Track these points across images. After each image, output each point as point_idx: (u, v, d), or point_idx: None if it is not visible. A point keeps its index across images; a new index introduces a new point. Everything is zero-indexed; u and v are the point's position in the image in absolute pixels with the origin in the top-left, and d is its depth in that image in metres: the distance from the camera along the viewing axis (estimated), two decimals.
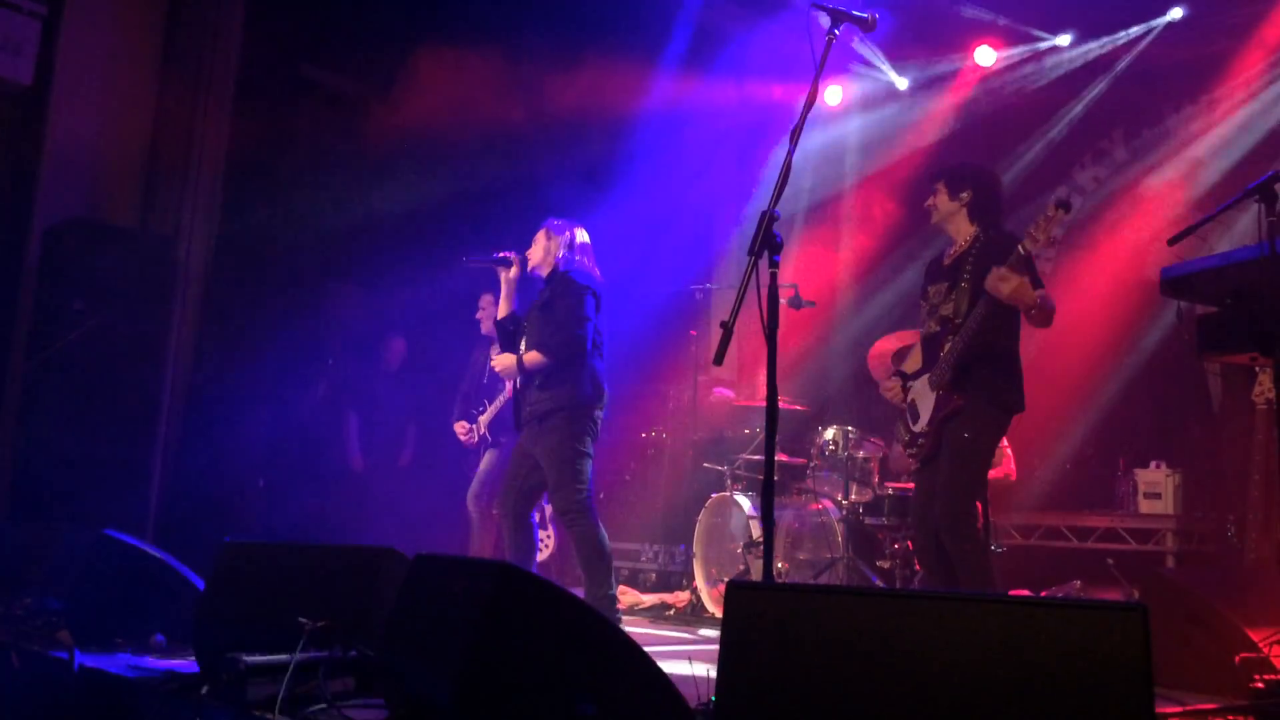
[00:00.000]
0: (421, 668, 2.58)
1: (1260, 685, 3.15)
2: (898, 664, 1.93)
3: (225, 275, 6.39)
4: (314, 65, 7.32)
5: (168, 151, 6.35)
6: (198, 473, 6.02)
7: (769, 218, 3.02)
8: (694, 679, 2.96)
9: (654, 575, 7.50)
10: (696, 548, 6.49)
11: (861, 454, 6.23)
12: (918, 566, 5.78)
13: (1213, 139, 7.05)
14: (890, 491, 6.09)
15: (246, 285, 6.46)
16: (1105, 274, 7.28)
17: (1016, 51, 7.81)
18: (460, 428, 6.42)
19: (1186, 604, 3.75)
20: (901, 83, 8.42)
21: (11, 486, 5.55)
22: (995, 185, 4.31)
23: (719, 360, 3.00)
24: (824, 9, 3.26)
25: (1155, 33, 7.30)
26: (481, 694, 2.33)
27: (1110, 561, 6.12)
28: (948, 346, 4.06)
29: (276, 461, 6.52)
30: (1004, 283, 3.80)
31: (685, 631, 5.91)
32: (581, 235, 4.95)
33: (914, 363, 4.35)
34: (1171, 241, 3.67)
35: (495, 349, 6.33)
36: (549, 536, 6.91)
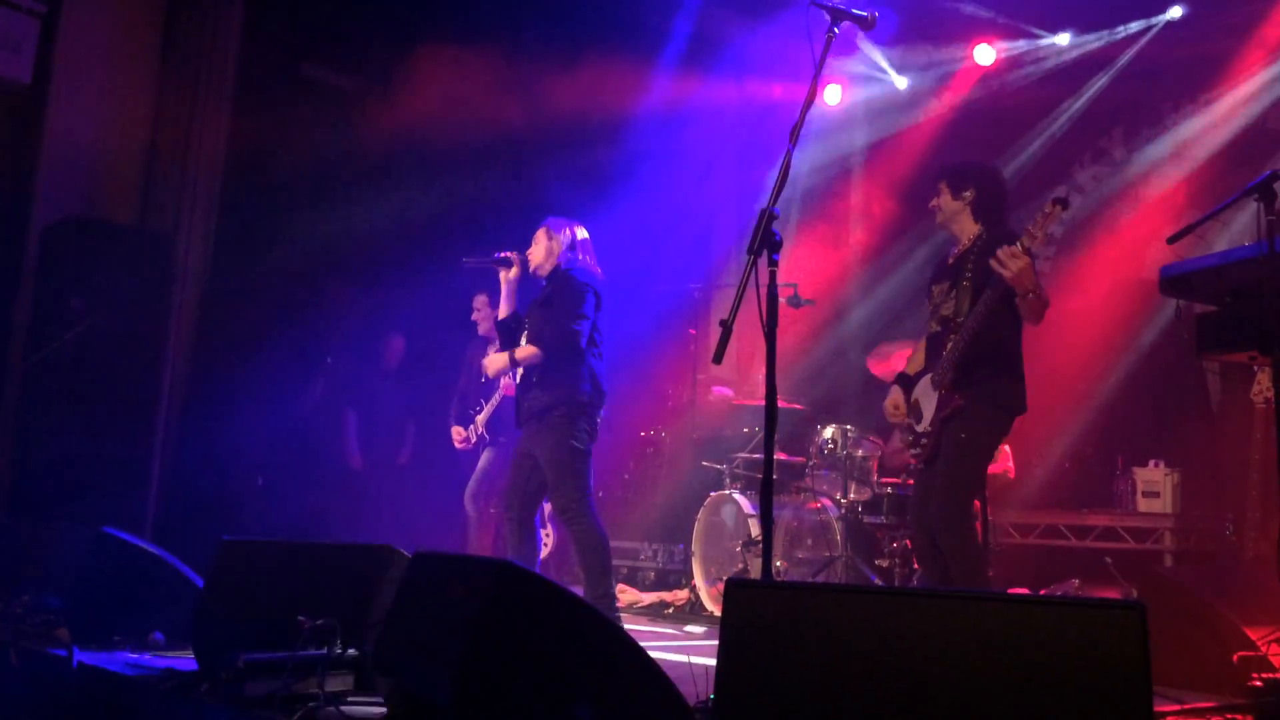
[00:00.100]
0: (420, 666, 2.58)
1: (1258, 683, 3.15)
2: (896, 662, 1.93)
3: (224, 273, 6.39)
4: (313, 63, 7.32)
5: (166, 149, 6.35)
6: (196, 470, 6.02)
7: (768, 216, 3.02)
8: (692, 677, 2.96)
9: (653, 574, 7.50)
10: (695, 546, 6.50)
11: (860, 452, 6.23)
12: (916, 565, 5.78)
13: (1212, 138, 7.05)
14: (889, 490, 6.09)
15: (245, 283, 6.46)
16: (1104, 272, 7.28)
17: (1016, 50, 7.81)
18: (456, 434, 6.40)
19: (1185, 603, 3.75)
20: (901, 82, 8.42)
21: (10, 484, 5.55)
22: (998, 183, 4.27)
23: (718, 359, 3.00)
24: (824, 7, 3.26)
25: (1155, 31, 7.29)
26: (480, 692, 2.33)
27: (1109, 560, 6.12)
28: (949, 346, 4.06)
29: (275, 460, 6.52)
30: (1014, 260, 3.74)
31: (684, 630, 5.91)
32: (582, 233, 4.94)
33: (917, 363, 4.35)
34: (1171, 240, 3.66)
35: (493, 348, 6.33)
36: (548, 535, 6.91)
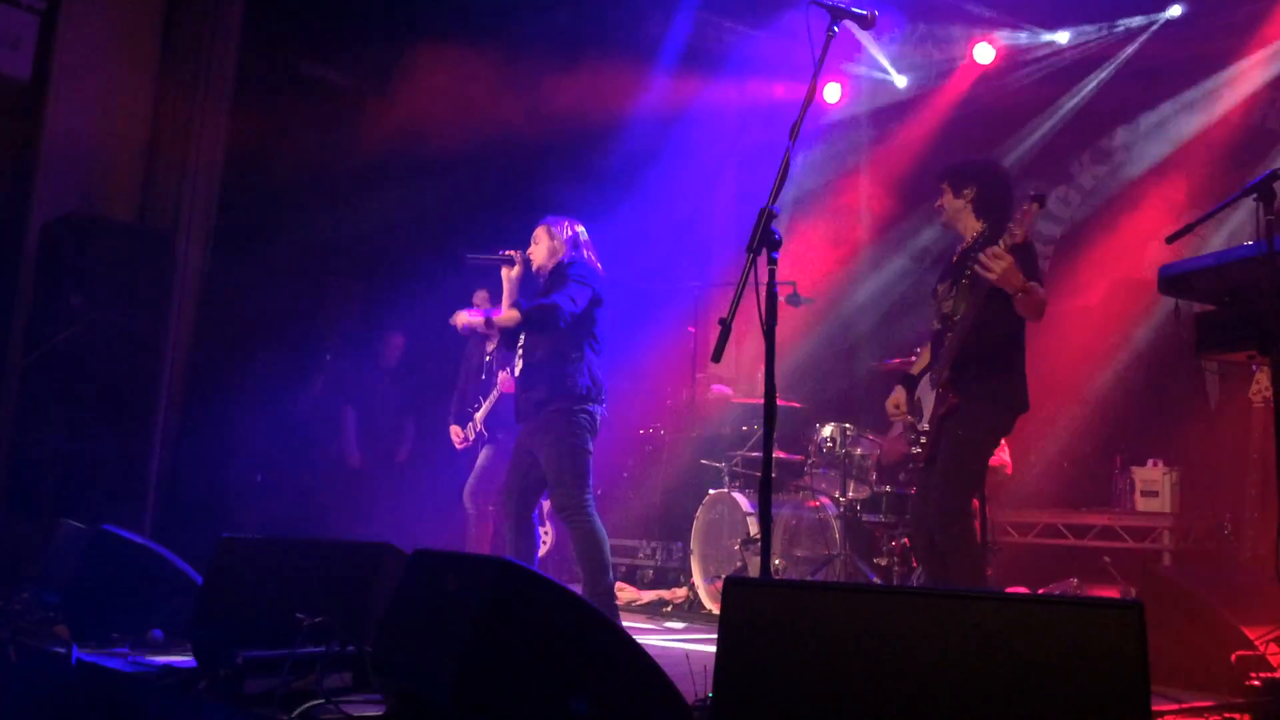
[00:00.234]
0: (419, 663, 2.58)
1: (1256, 683, 3.15)
2: (894, 661, 1.93)
3: (223, 270, 6.39)
4: (312, 61, 7.32)
5: (166, 146, 6.35)
6: (195, 468, 6.03)
7: (768, 215, 3.02)
8: (691, 675, 2.96)
9: (651, 572, 7.50)
10: (694, 544, 6.50)
11: (859, 451, 6.23)
12: (915, 564, 5.78)
13: (1212, 138, 7.06)
14: (887, 488, 6.09)
15: (244, 280, 6.46)
16: (1104, 272, 7.28)
17: (1016, 49, 7.81)
18: (455, 434, 6.40)
19: (1183, 602, 3.76)
20: (901, 80, 8.42)
21: (9, 481, 5.55)
22: (1000, 179, 4.25)
23: (717, 357, 3.00)
24: (823, 6, 3.25)
25: (1154, 29, 7.29)
26: (479, 689, 2.33)
27: (1107, 559, 6.12)
28: (946, 344, 4.06)
29: (274, 457, 6.52)
30: (997, 261, 3.76)
31: (682, 628, 5.91)
32: (582, 231, 4.93)
33: (923, 362, 4.36)
34: (1170, 239, 3.66)
35: (491, 345, 6.33)
36: (547, 533, 6.91)
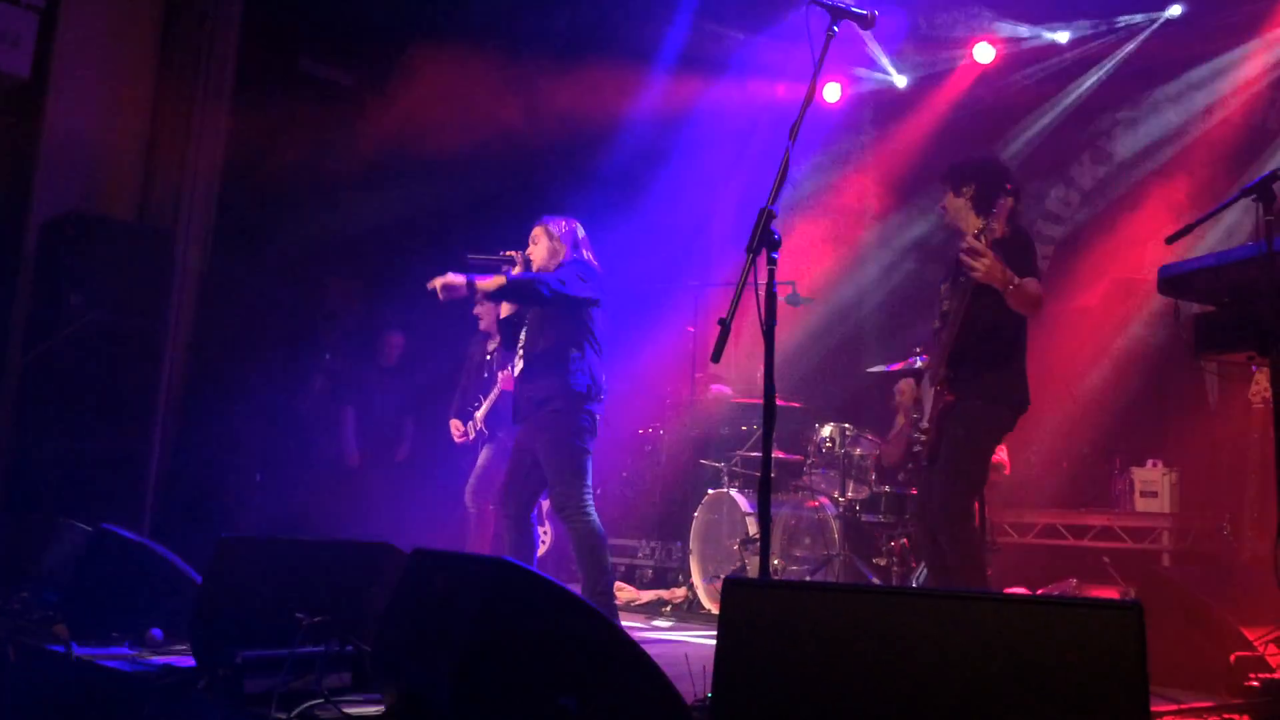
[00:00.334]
0: (418, 662, 2.58)
1: (1255, 684, 3.16)
2: (893, 661, 1.93)
3: (222, 269, 6.39)
4: (312, 59, 7.32)
5: (165, 144, 6.35)
6: (194, 467, 6.02)
7: (767, 214, 3.01)
8: (690, 675, 2.96)
9: (650, 572, 7.50)
10: (693, 544, 6.50)
11: (858, 451, 6.23)
12: (914, 564, 5.79)
13: (1212, 138, 7.06)
14: (886, 488, 6.09)
15: (244, 279, 6.46)
16: (1103, 272, 7.29)
17: (1016, 48, 7.81)
18: (455, 427, 6.41)
19: (1182, 602, 3.76)
20: (901, 80, 8.42)
21: (8, 480, 5.55)
22: (1000, 176, 4.22)
23: (717, 357, 2.99)
24: (823, 5, 3.25)
25: (1154, 28, 7.29)
26: (478, 689, 2.33)
27: (1106, 560, 6.13)
28: (941, 341, 4.07)
29: (273, 456, 6.52)
30: (979, 259, 3.75)
31: (681, 628, 5.91)
32: (580, 231, 4.93)
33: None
34: (1169, 240, 3.66)
35: (493, 344, 6.34)
36: (546, 532, 6.91)
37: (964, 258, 3.78)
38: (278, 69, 7.00)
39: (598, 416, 4.72)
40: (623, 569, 7.49)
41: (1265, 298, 3.21)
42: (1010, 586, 5.82)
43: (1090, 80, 7.67)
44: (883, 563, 6.00)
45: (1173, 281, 3.77)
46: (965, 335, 3.95)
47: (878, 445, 6.27)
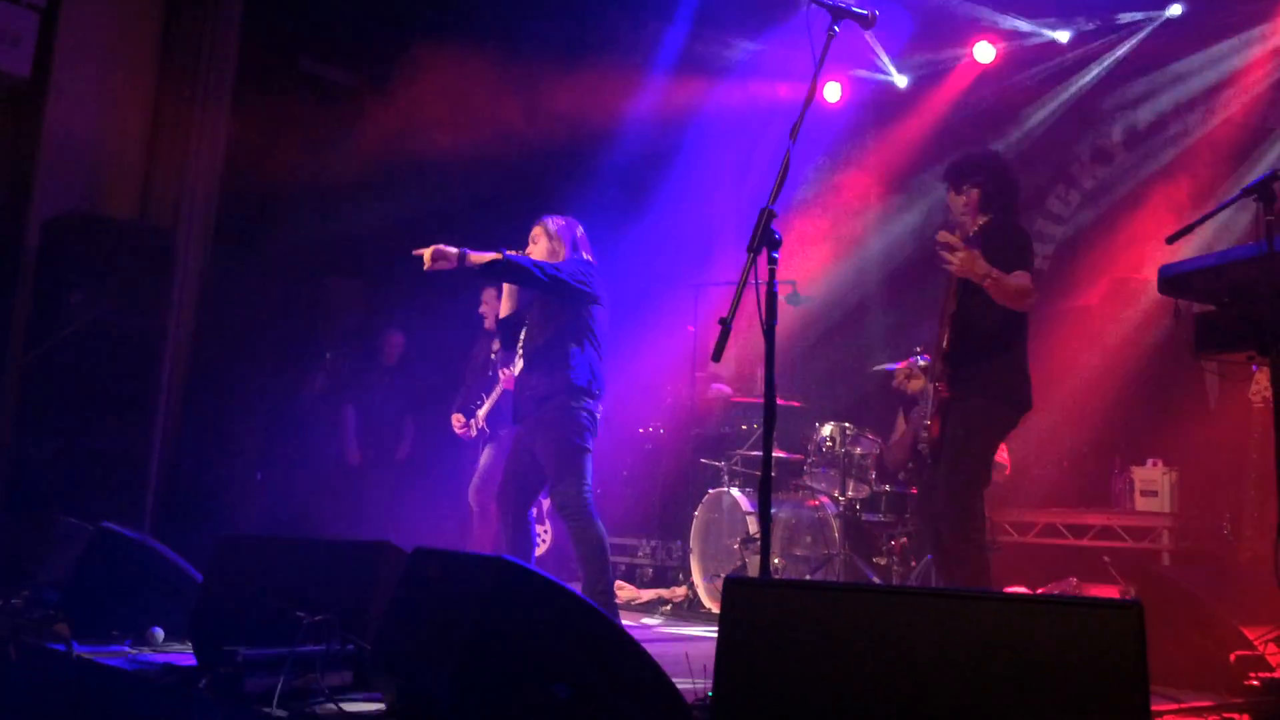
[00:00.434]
0: (419, 661, 2.58)
1: (1255, 683, 3.16)
2: (894, 660, 1.94)
3: (223, 268, 6.39)
4: (312, 58, 7.32)
5: (166, 144, 6.35)
6: (195, 466, 6.03)
7: (768, 214, 3.02)
8: (690, 674, 2.96)
9: (651, 571, 7.51)
10: (693, 543, 6.50)
11: (859, 450, 6.23)
12: (914, 563, 5.79)
13: (1213, 138, 7.06)
14: (887, 488, 6.10)
15: (244, 278, 6.46)
16: (1104, 272, 7.28)
17: (1016, 47, 7.81)
18: (456, 420, 6.42)
19: (1182, 602, 3.76)
20: (901, 80, 8.42)
21: (9, 479, 5.55)
22: (1000, 172, 4.18)
23: (717, 357, 2.99)
24: (824, 5, 3.25)
25: (1153, 27, 7.29)
26: (479, 688, 2.33)
27: (1106, 559, 6.12)
28: (936, 338, 4.08)
29: (274, 455, 6.52)
30: (954, 254, 3.75)
31: (682, 627, 5.92)
32: (579, 230, 4.92)
33: None
34: (1170, 240, 3.66)
35: (497, 343, 6.34)
36: (546, 532, 6.92)
37: (939, 251, 3.78)
38: (278, 69, 7.00)
39: (598, 415, 4.72)
40: (623, 568, 7.50)
41: (1265, 298, 3.21)
42: (1010, 586, 5.82)
43: (1090, 79, 7.67)
44: (883, 562, 6.00)
45: (1173, 281, 3.77)
46: (958, 331, 3.95)
47: (878, 444, 6.28)
